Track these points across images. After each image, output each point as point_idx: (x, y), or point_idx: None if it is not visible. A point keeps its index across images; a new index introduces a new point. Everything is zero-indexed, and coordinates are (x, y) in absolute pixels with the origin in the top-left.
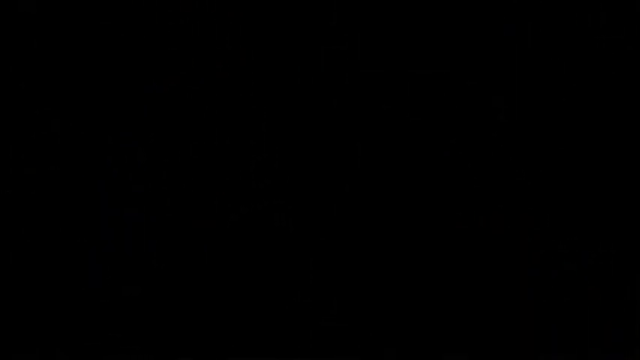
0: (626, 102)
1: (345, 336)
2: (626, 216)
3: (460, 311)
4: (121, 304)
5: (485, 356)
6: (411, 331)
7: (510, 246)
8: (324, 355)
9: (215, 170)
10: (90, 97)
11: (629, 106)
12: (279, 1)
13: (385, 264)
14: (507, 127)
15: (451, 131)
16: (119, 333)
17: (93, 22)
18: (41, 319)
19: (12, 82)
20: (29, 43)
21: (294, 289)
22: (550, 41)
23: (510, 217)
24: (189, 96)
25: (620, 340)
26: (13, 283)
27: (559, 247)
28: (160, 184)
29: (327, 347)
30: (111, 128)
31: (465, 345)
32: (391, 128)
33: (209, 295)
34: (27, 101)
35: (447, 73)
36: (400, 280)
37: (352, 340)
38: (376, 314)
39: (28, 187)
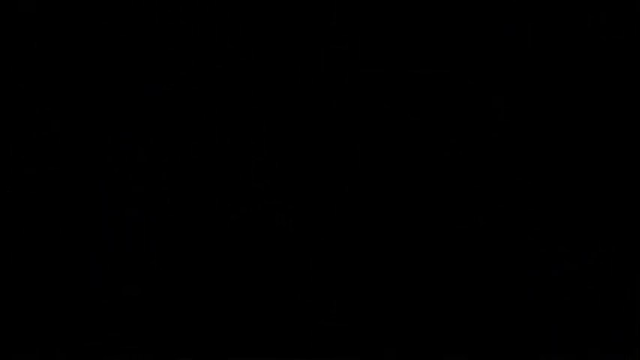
0: (626, 102)
1: (345, 336)
2: (626, 216)
3: (460, 311)
4: (121, 304)
5: (486, 356)
6: (411, 331)
7: (510, 246)
8: (324, 355)
9: (215, 170)
10: (90, 97)
11: (629, 106)
12: (279, 1)
13: (385, 264)
14: (507, 127)
15: (451, 131)
16: (119, 333)
17: (93, 22)
18: (41, 319)
19: (12, 82)
20: (29, 43)
21: (294, 289)
22: (550, 41)
23: (510, 217)
24: (189, 96)
25: (620, 340)
26: (13, 283)
27: (559, 247)
28: (160, 184)
29: (327, 347)
30: (111, 128)
31: (465, 345)
32: (391, 128)
33: (209, 295)
34: (27, 101)
35: (447, 73)
36: (400, 280)
37: (352, 340)
38: (376, 314)
39: (28, 187)
